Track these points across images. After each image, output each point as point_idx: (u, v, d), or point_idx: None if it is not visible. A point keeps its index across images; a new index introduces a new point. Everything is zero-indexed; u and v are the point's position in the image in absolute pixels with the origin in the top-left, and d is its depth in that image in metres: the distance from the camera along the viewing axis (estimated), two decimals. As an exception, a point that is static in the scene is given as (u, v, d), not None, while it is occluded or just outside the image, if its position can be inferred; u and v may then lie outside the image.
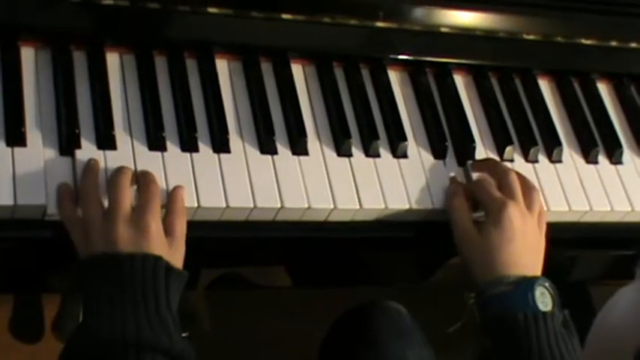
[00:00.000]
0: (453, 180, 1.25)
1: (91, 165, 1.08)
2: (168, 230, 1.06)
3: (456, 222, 1.20)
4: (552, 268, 1.21)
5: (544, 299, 1.14)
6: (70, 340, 1.00)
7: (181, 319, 1.02)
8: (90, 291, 1.00)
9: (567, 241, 1.31)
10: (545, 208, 1.25)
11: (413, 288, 1.59)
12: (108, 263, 1.01)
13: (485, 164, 1.27)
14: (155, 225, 1.04)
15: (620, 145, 1.38)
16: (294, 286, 1.53)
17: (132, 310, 0.98)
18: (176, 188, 1.10)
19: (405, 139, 1.26)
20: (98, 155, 1.11)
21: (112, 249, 1.02)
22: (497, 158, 1.30)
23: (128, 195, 1.06)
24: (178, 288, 1.03)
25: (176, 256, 1.06)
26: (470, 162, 1.27)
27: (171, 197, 1.09)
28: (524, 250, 1.17)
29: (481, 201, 1.21)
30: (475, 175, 1.25)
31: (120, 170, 1.08)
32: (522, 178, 1.23)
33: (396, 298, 1.37)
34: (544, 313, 1.13)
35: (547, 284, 1.15)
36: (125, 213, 1.04)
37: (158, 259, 1.01)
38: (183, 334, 1.01)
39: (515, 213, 1.17)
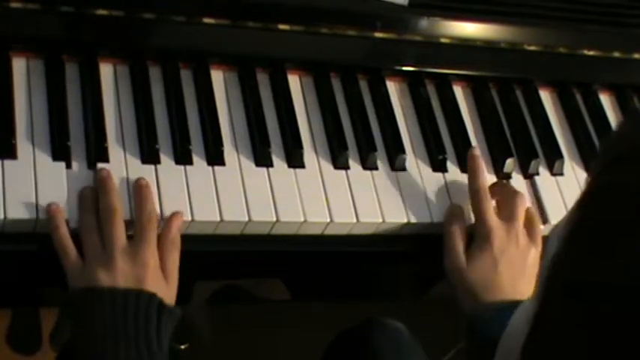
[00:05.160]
0: (474, 162, 1.23)
1: (85, 194, 1.07)
2: (160, 265, 1.05)
3: (448, 247, 1.18)
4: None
5: None
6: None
7: (180, 332, 1.01)
8: (83, 322, 1.01)
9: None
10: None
11: (411, 302, 1.58)
12: (102, 297, 1.00)
13: (493, 185, 1.25)
14: (153, 260, 1.04)
15: (622, 158, 1.36)
16: (293, 299, 1.51)
17: (124, 347, 0.98)
18: (172, 217, 1.08)
19: (403, 151, 1.24)
20: (90, 167, 1.09)
21: (108, 283, 1.01)
22: (496, 171, 1.29)
23: (122, 223, 1.04)
24: (170, 326, 1.03)
25: (170, 291, 1.05)
26: None
27: (166, 227, 1.07)
28: (510, 275, 1.15)
29: (474, 216, 1.19)
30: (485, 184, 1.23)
31: (109, 193, 1.06)
32: (529, 211, 1.22)
33: (394, 311, 1.35)
34: None
35: None
36: (121, 245, 1.03)
37: (152, 296, 1.01)
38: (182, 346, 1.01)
39: (501, 239, 1.16)
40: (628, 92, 1.45)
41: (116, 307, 0.99)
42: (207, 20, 1.21)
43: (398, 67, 1.32)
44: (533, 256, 1.19)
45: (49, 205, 1.04)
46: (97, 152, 1.11)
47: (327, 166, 1.20)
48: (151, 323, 1.00)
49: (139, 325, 0.99)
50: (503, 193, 1.22)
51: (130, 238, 1.05)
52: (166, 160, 1.13)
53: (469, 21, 1.33)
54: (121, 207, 1.06)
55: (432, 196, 1.22)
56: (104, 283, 1.01)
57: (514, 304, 1.12)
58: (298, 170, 1.18)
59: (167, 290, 1.04)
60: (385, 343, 1.28)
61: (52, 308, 1.67)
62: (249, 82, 1.23)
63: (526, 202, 1.21)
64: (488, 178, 1.24)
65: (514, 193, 1.21)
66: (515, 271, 1.16)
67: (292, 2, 1.24)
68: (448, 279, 1.18)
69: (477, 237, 1.17)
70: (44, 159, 1.08)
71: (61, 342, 1.61)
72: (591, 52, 1.40)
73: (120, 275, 1.01)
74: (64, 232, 1.04)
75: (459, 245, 1.18)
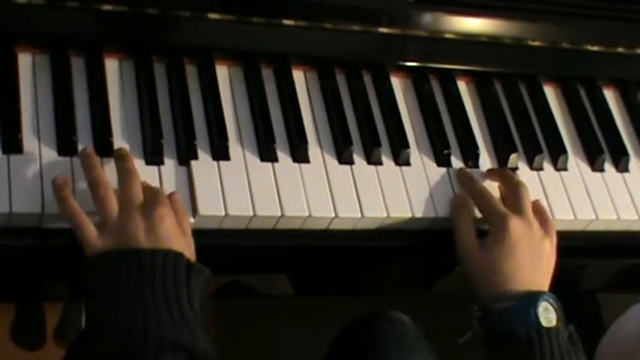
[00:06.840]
0: (463, 174, 1.24)
1: (90, 158, 1.06)
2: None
3: (460, 237, 1.18)
4: (559, 277, 1.20)
5: (547, 315, 1.12)
6: (85, 334, 0.97)
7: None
8: (107, 286, 0.97)
9: (573, 249, 1.29)
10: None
11: (417, 296, 1.58)
12: (128, 258, 0.98)
13: (499, 173, 1.26)
14: (171, 219, 1.03)
15: (626, 153, 1.37)
16: (297, 294, 1.51)
17: (153, 307, 0.95)
18: (173, 192, 1.09)
19: (407, 146, 1.24)
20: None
21: (131, 244, 0.99)
22: (500, 166, 1.29)
23: (140, 185, 1.05)
24: (200, 284, 1.01)
25: (191, 249, 1.05)
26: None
27: (171, 198, 1.07)
28: (527, 265, 1.15)
29: (482, 212, 1.19)
30: (482, 183, 1.24)
31: (124, 158, 1.07)
32: (537, 202, 1.23)
33: (400, 306, 1.35)
34: (548, 329, 1.11)
35: (551, 300, 1.13)
36: (140, 205, 1.02)
37: (179, 255, 1.00)
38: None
39: (517, 226, 1.16)
40: (632, 87, 1.45)
41: (144, 268, 0.97)
42: (211, 16, 1.21)
43: (402, 63, 1.33)
44: (548, 248, 1.19)
45: (54, 179, 1.04)
46: (103, 147, 1.11)
47: (332, 161, 1.21)
48: (181, 282, 0.98)
49: (168, 285, 0.97)
50: (507, 186, 1.23)
51: None
52: (171, 155, 1.14)
53: (473, 16, 1.33)
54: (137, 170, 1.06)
55: (436, 190, 1.23)
56: (127, 244, 0.99)
57: (532, 295, 1.13)
58: (303, 165, 1.19)
59: (189, 248, 1.04)
60: (390, 335, 1.27)
61: (56, 303, 1.67)
62: (254, 78, 1.24)
63: (529, 193, 1.22)
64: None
65: (518, 185, 1.21)
66: (532, 261, 1.16)
67: (297, -3, 1.25)
68: (461, 266, 1.18)
69: (492, 227, 1.17)
70: (50, 153, 1.09)
71: (66, 336, 1.61)
72: (595, 48, 1.41)
73: (143, 235, 1.00)
74: (73, 202, 1.03)
75: (470, 231, 1.18)
